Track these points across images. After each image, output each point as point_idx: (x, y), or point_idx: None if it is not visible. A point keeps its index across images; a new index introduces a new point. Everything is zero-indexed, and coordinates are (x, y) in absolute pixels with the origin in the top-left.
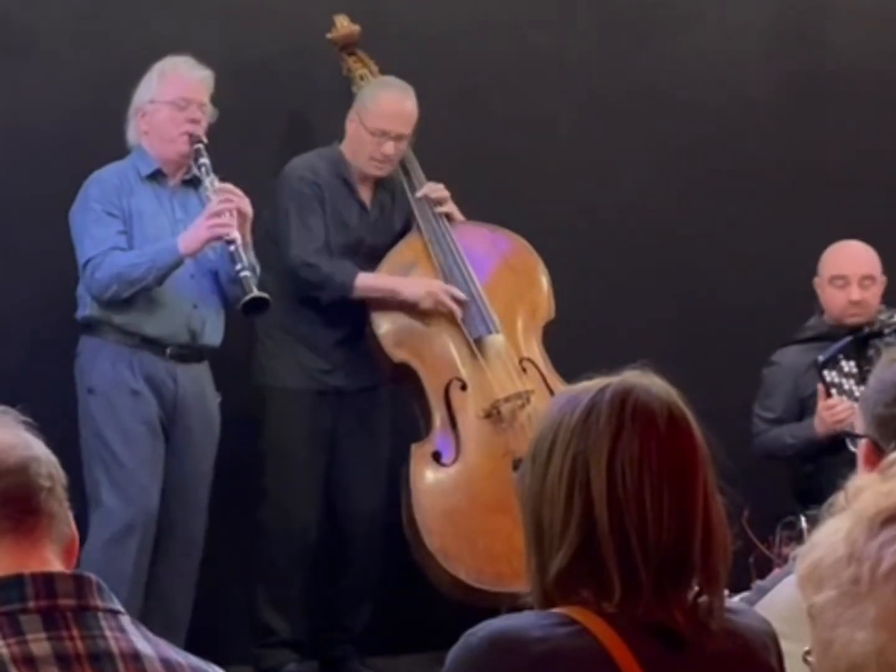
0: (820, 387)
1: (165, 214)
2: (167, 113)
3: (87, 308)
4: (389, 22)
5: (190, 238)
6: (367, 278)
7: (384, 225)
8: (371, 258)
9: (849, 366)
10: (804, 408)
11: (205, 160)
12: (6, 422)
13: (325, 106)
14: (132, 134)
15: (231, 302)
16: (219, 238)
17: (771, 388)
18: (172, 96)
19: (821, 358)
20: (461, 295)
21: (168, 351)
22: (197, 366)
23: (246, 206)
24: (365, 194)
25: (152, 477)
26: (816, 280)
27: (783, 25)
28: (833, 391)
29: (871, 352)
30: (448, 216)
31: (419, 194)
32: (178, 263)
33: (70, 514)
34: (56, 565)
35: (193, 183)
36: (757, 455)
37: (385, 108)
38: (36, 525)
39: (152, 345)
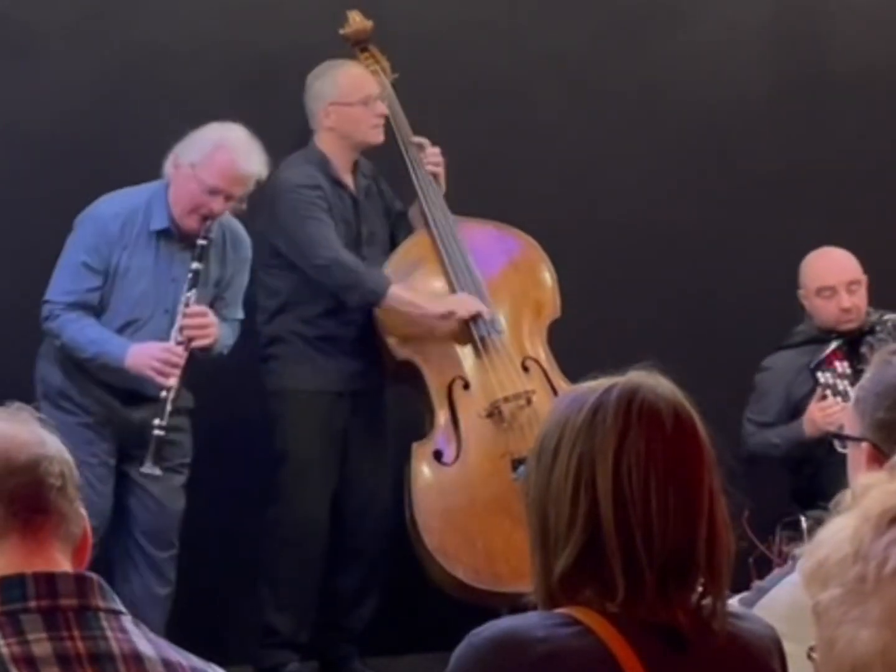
0: (818, 391)
1: (158, 273)
2: (194, 187)
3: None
4: (394, 20)
5: (135, 361)
6: (398, 291)
7: (373, 209)
8: (371, 245)
9: (842, 366)
10: (797, 411)
11: (198, 265)
12: (21, 418)
13: None
14: (168, 169)
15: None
16: (154, 381)
17: (764, 392)
18: (207, 178)
19: (814, 361)
20: (483, 309)
21: (118, 391)
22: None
23: (211, 337)
24: (352, 185)
25: (102, 481)
26: (800, 292)
27: (781, 26)
28: (828, 392)
29: (864, 349)
30: (435, 176)
31: (415, 139)
32: (121, 369)
33: (82, 514)
34: (63, 565)
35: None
36: (744, 458)
37: (355, 79)
38: (44, 524)
39: (100, 382)
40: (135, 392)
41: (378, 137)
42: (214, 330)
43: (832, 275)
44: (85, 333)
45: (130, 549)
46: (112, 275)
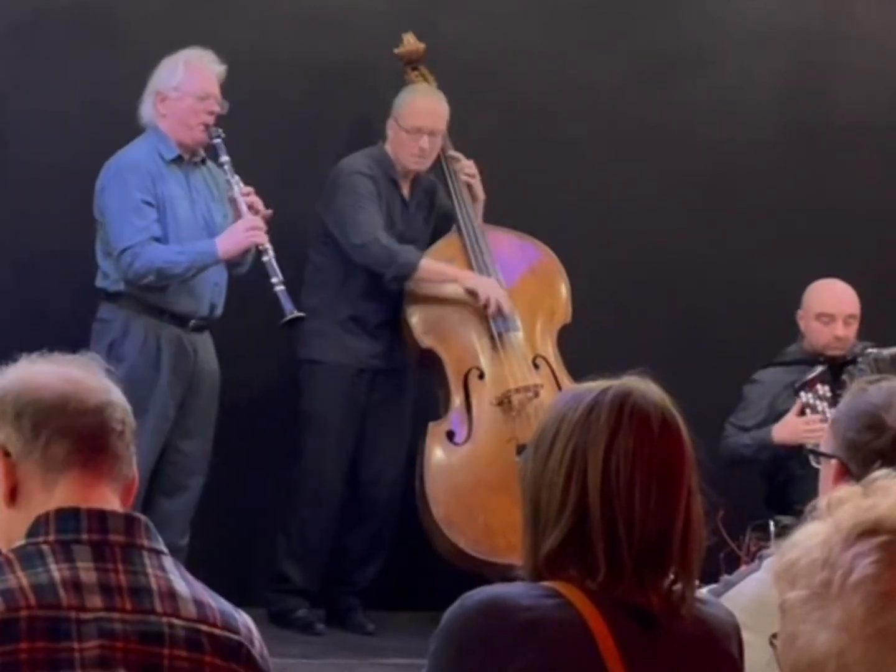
0: (797, 403)
1: (186, 197)
2: (189, 103)
3: (119, 284)
4: (445, 44)
5: (230, 245)
6: (430, 263)
7: (418, 219)
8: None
9: (823, 390)
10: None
11: (226, 157)
12: (91, 367)
13: (386, 113)
14: (148, 113)
15: (231, 272)
16: (256, 247)
17: (750, 402)
18: (196, 88)
19: (799, 381)
20: (507, 307)
21: (191, 324)
22: (206, 334)
23: (265, 210)
24: (406, 191)
25: (154, 449)
26: (800, 312)
27: (793, 79)
28: (807, 411)
29: (845, 377)
30: (470, 188)
31: (452, 153)
32: (215, 265)
33: (134, 458)
34: (113, 502)
35: (198, 165)
36: (722, 458)
37: (417, 108)
38: (102, 463)
39: (178, 319)
40: (203, 319)
41: (414, 166)
42: (262, 203)
43: (835, 304)
44: (172, 250)
45: (155, 501)
46: (161, 206)
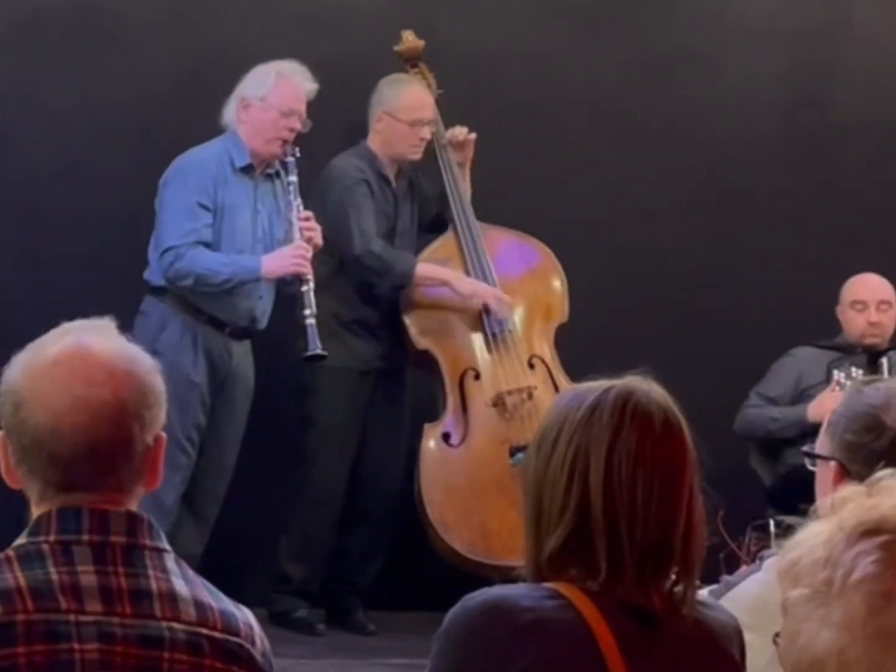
0: (832, 383)
1: (249, 207)
2: (273, 116)
3: (161, 280)
4: (444, 43)
5: (273, 266)
6: (425, 268)
7: (408, 207)
8: (402, 238)
9: (857, 372)
10: (801, 399)
11: (294, 178)
12: (117, 367)
13: None
14: (230, 116)
15: (282, 289)
16: (298, 275)
17: (778, 373)
18: (282, 102)
19: (835, 362)
20: (500, 309)
21: (227, 330)
22: (246, 342)
23: (320, 239)
24: (395, 183)
25: (194, 446)
26: (838, 307)
27: (793, 79)
28: (836, 389)
29: (883, 359)
30: (461, 164)
31: (449, 134)
32: (257, 282)
33: (147, 451)
34: (129, 504)
35: (271, 178)
36: (737, 427)
37: (414, 100)
38: (101, 485)
39: (215, 323)
40: (242, 329)
41: (415, 156)
42: (319, 232)
43: (866, 292)
44: (216, 259)
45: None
46: (219, 211)
